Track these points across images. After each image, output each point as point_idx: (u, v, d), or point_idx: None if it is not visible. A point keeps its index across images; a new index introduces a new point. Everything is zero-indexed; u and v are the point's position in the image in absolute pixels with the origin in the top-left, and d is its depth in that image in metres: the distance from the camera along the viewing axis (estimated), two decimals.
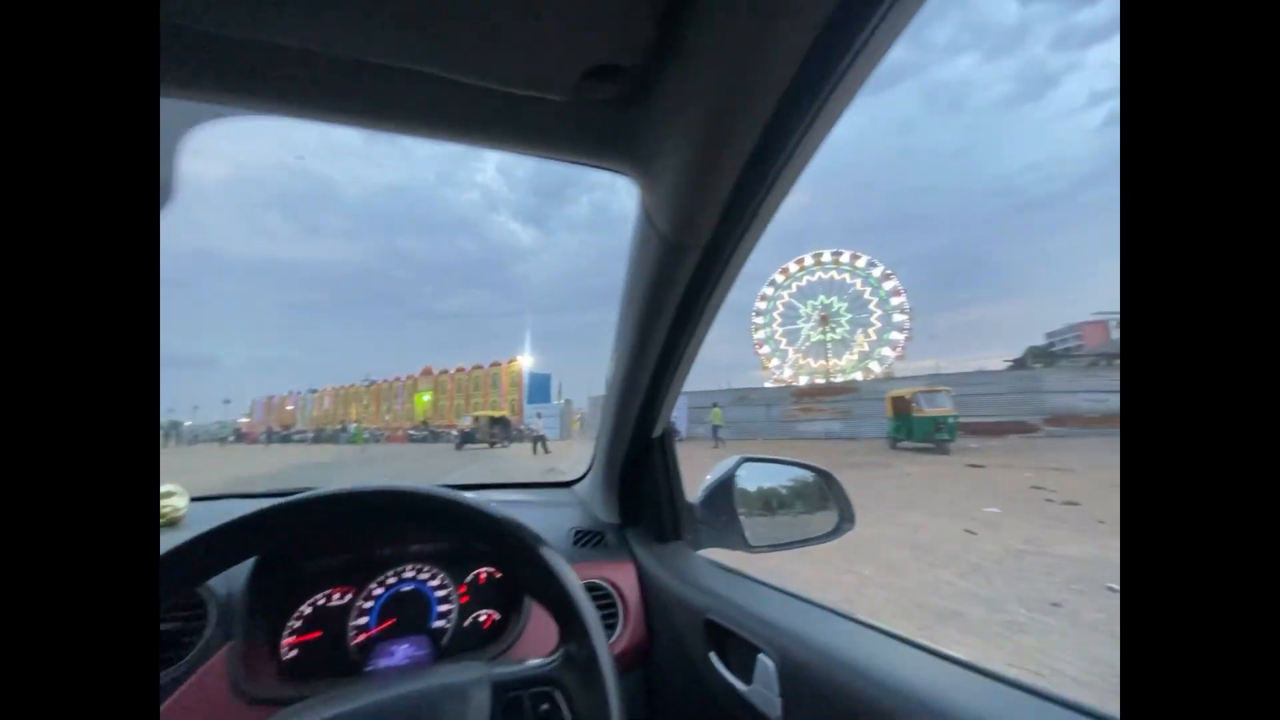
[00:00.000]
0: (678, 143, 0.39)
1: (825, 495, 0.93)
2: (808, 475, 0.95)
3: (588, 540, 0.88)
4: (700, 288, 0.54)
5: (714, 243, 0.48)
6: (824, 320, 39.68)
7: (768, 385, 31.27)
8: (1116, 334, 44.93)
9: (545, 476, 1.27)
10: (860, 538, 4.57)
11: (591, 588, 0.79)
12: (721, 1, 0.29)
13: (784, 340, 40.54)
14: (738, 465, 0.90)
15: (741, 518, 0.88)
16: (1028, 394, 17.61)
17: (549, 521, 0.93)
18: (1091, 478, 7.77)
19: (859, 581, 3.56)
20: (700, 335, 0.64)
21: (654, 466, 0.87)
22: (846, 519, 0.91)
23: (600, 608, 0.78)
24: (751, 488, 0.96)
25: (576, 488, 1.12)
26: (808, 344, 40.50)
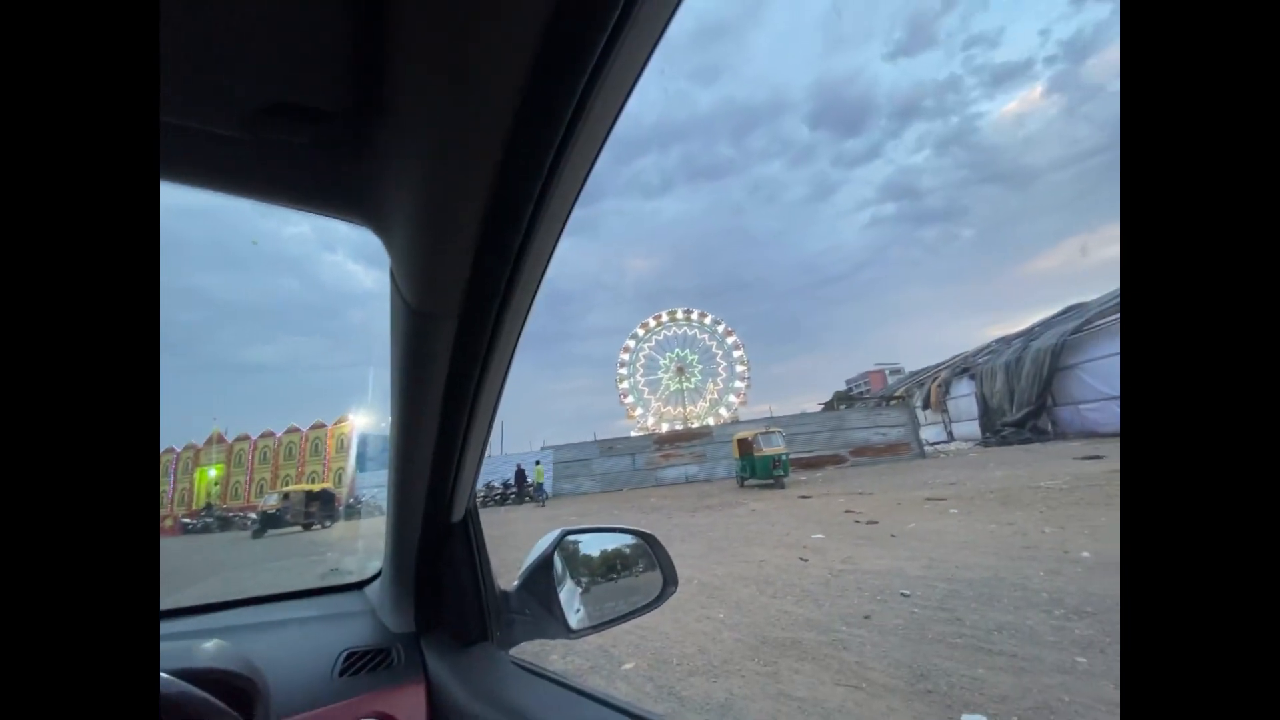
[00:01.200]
0: (408, 198, 0.34)
1: (650, 559, 0.91)
2: (633, 540, 0.92)
3: (365, 663, 0.70)
4: (468, 361, 0.49)
5: (469, 312, 0.43)
6: (680, 371, 43.28)
7: (634, 434, 32.19)
8: (892, 379, 57.97)
9: (329, 577, 1.02)
10: (715, 582, 4.79)
11: None
12: (420, 56, 0.26)
13: (646, 390, 42.86)
14: (558, 541, 0.83)
15: (564, 599, 0.80)
16: (837, 430, 21.37)
17: (315, 644, 0.72)
18: (882, 498, 9.58)
19: (714, 627, 3.66)
20: (486, 408, 0.57)
21: (455, 557, 0.75)
22: (670, 582, 0.89)
23: None
24: (576, 563, 0.90)
25: (367, 590, 0.91)
26: (667, 393, 43.45)
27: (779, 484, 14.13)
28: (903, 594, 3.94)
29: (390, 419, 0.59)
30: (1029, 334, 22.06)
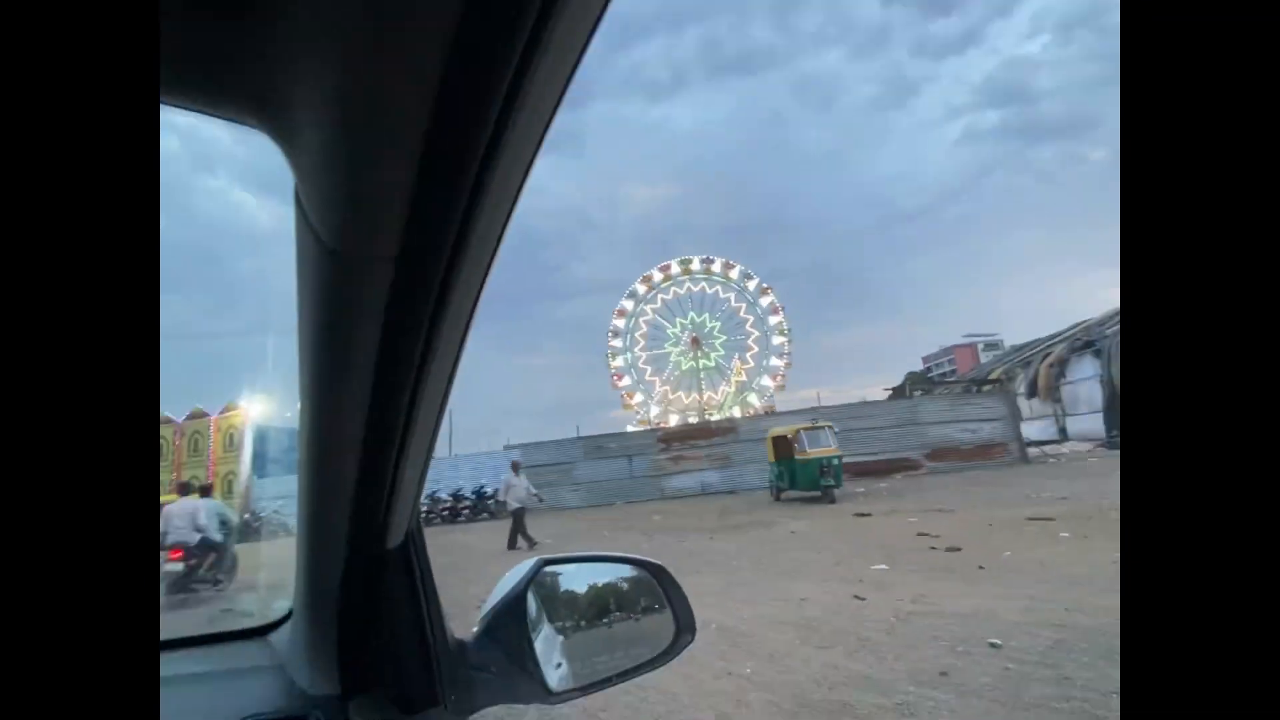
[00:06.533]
0: (318, 87, 0.32)
1: (657, 596, 0.92)
2: (635, 572, 0.94)
3: None
4: (410, 324, 0.47)
5: (410, 253, 0.42)
6: (695, 343, 43.21)
7: (631, 428, 32.53)
8: (984, 356, 58.41)
9: (220, 620, 1.04)
10: (742, 627, 4.92)
11: None
12: None
13: (649, 369, 42.91)
14: (534, 574, 0.84)
15: (540, 649, 0.82)
16: (908, 426, 21.61)
17: (201, 711, 0.74)
18: (969, 516, 9.78)
19: (737, 687, 3.79)
20: (435, 391, 0.57)
21: (392, 595, 0.76)
22: (686, 629, 0.91)
23: None
24: (557, 601, 0.92)
25: (273, 638, 0.93)
26: (677, 373, 43.52)
27: (828, 496, 14.41)
28: (992, 644, 4.06)
29: (299, 406, 0.58)
30: None
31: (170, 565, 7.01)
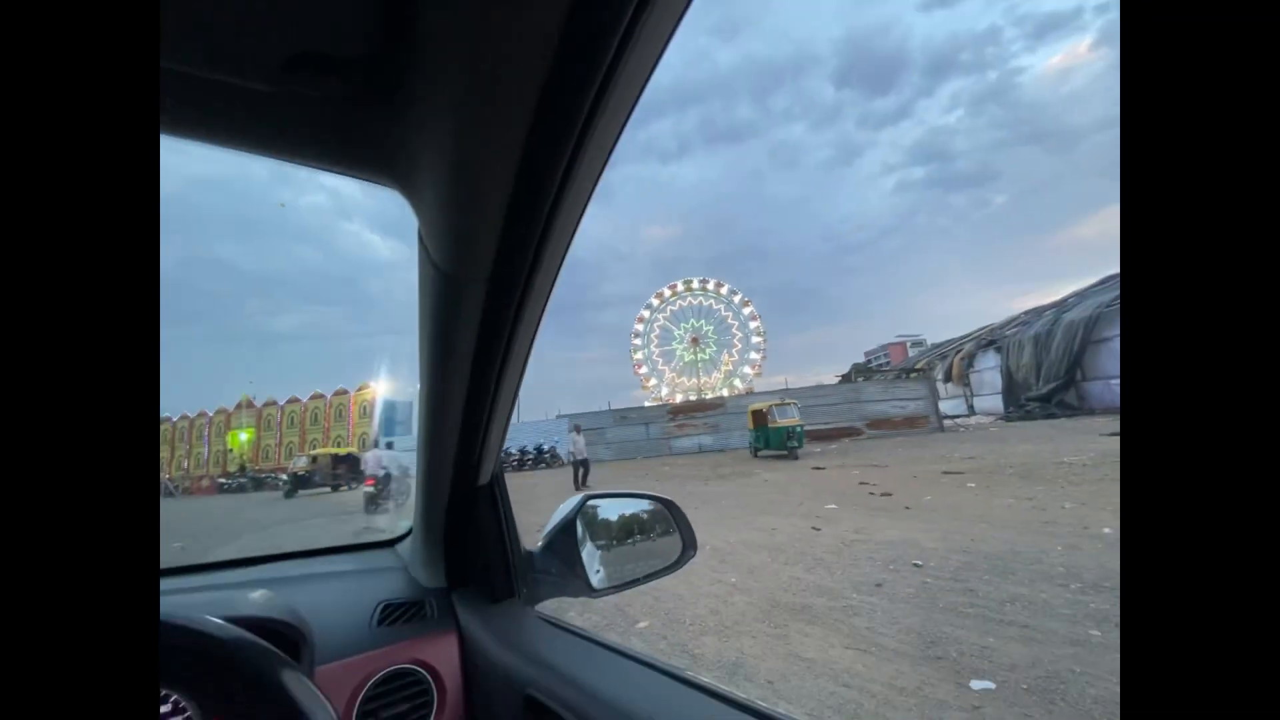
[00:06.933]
0: (436, 156, 0.33)
1: (669, 523, 0.93)
2: (653, 505, 0.94)
3: (401, 614, 0.74)
4: (497, 324, 0.49)
5: (498, 276, 0.43)
6: (695, 342, 43.07)
7: (648, 404, 32.48)
8: (912, 351, 56.86)
9: (360, 536, 1.07)
10: (726, 548, 4.91)
11: (398, 676, 0.66)
12: (452, 4, 0.25)
13: (661, 361, 42.88)
14: (580, 506, 0.85)
15: (585, 560, 0.83)
16: (853, 403, 21.21)
17: (353, 597, 0.77)
18: (898, 471, 9.58)
19: (726, 590, 3.78)
20: (513, 374, 0.58)
21: (483, 518, 0.78)
22: (689, 546, 0.92)
23: (407, 700, 0.66)
24: (596, 526, 0.92)
25: (399, 547, 0.96)
26: (681, 364, 43.43)
27: (793, 455, 14.22)
28: (915, 564, 3.99)
29: (419, 382, 0.60)
30: (1062, 305, 21.23)
31: (366, 489, 8.78)
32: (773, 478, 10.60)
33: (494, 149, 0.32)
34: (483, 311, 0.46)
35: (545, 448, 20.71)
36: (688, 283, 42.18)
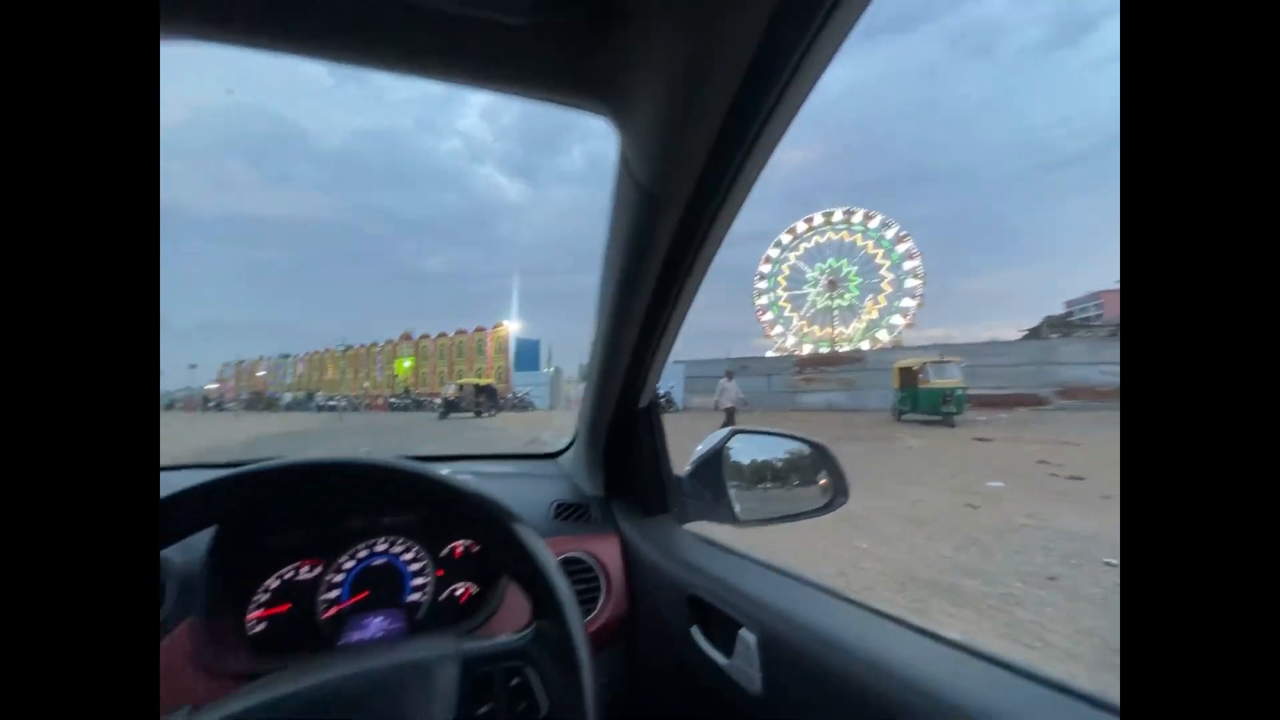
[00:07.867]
0: (655, 76, 0.36)
1: (819, 468, 0.94)
2: (802, 448, 0.96)
3: (570, 514, 0.90)
4: (684, 247, 0.53)
5: (697, 196, 0.46)
6: (832, 285, 39.48)
7: (769, 354, 31.47)
8: None
9: (528, 448, 1.28)
10: (858, 511, 4.73)
11: (573, 561, 0.81)
12: None
13: (788, 306, 40.47)
14: (728, 438, 0.90)
15: (731, 491, 0.90)
16: (1041, 366, 17.86)
17: (530, 494, 0.95)
18: (1098, 453, 8.00)
19: (854, 554, 3.70)
20: (687, 299, 0.63)
21: (640, 438, 0.88)
22: (840, 492, 0.92)
23: (582, 581, 0.81)
24: (743, 461, 0.98)
25: (560, 459, 1.13)
26: (813, 310, 40.47)
27: (948, 422, 12.75)
28: (1107, 563, 3.42)
29: (599, 303, 0.68)
30: None
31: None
32: (919, 445, 9.70)
33: (705, 71, 0.35)
34: (675, 232, 0.50)
35: (661, 393, 21.68)
36: (827, 215, 38.13)
